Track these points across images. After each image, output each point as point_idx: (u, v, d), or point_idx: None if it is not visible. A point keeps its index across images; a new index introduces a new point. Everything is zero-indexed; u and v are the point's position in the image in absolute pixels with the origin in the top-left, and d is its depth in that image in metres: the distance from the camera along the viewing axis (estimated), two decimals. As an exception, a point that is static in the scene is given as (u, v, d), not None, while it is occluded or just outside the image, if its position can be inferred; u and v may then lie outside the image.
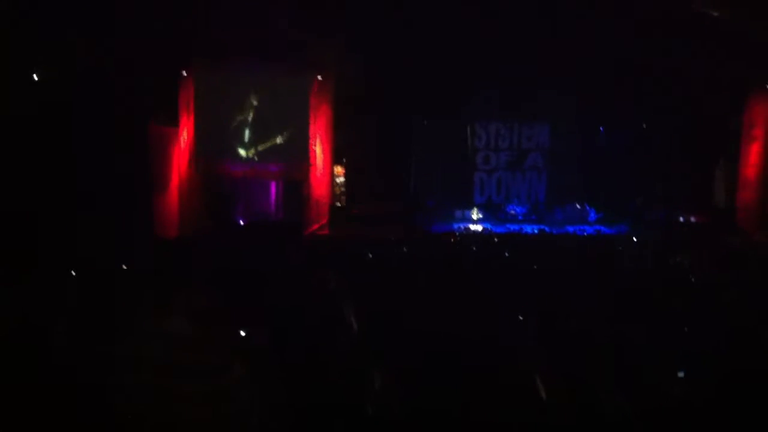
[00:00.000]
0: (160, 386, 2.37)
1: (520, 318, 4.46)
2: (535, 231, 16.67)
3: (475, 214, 18.24)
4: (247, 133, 16.10)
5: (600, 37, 15.66)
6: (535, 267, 8.69)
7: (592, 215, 18.02)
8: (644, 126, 18.04)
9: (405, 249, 10.74)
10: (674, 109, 16.64)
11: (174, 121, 15.74)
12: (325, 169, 16.84)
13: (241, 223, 16.11)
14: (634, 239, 14.95)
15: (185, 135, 15.90)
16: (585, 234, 16.28)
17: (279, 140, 16.05)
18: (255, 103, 16.08)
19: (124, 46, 13.50)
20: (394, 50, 16.15)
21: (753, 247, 13.88)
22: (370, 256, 9.26)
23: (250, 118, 16.08)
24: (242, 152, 16.15)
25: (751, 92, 16.45)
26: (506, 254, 10.80)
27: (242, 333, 4.24)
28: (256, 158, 16.23)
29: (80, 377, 2.79)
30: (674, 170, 17.14)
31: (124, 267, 7.48)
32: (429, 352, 3.15)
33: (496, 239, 14.72)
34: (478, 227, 17.22)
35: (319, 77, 16.18)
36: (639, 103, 17.04)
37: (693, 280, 7.99)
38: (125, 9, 13.31)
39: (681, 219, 16.42)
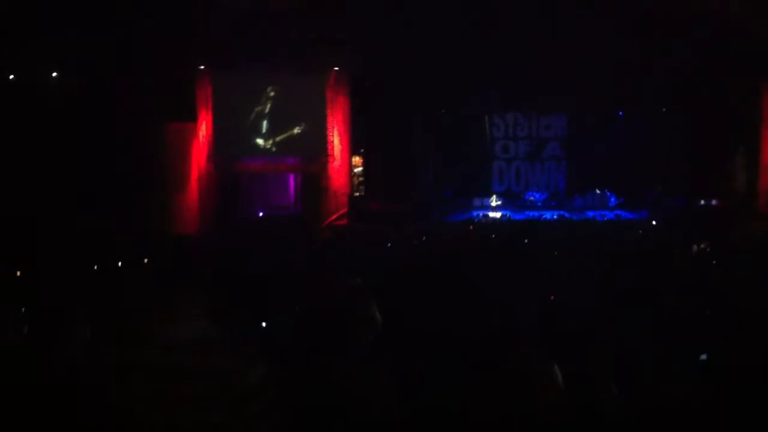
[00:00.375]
0: (171, 389, 2.39)
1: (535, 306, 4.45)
2: (555, 216, 16.58)
3: (494, 202, 18.16)
4: (265, 127, 16.17)
5: (620, 27, 15.54)
6: (555, 252, 8.66)
7: (613, 201, 17.88)
8: (664, 111, 17.85)
9: (421, 239, 10.76)
10: (694, 95, 16.45)
11: (192, 118, 15.85)
12: (343, 160, 16.89)
13: (260, 215, 16.20)
14: (654, 223, 14.89)
15: (203, 131, 16.00)
16: (605, 219, 16.16)
17: (297, 130, 16.11)
18: (272, 96, 16.13)
19: (142, 44, 13.62)
20: (413, 45, 16.13)
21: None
22: (387, 247, 9.31)
23: (267, 113, 16.15)
24: (260, 147, 16.22)
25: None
26: (525, 240, 10.77)
27: (256, 331, 4.29)
28: (274, 151, 16.31)
29: (75, 376, 2.83)
30: (694, 156, 16.96)
31: (145, 262, 7.58)
32: (439, 350, 3.17)
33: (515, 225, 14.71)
34: (497, 214, 17.16)
35: (336, 69, 16.20)
36: (659, 90, 16.87)
37: (713, 263, 7.94)
38: (145, 8, 13.43)
39: (702, 203, 16.25)
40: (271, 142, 16.24)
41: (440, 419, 2.54)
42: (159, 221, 13.77)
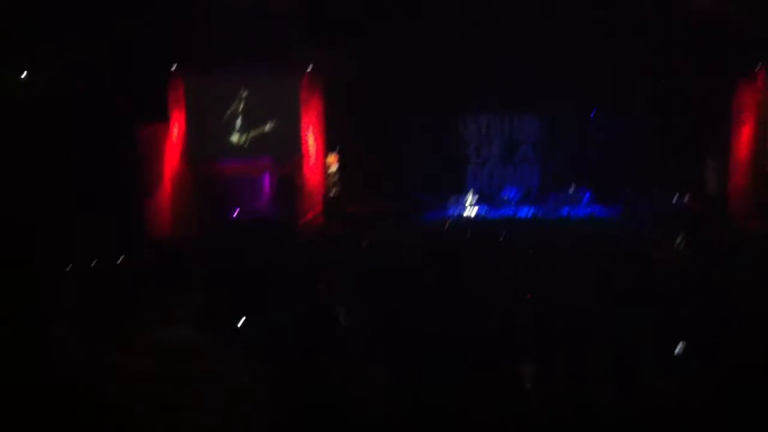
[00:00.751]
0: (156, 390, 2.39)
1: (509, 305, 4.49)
2: (529, 215, 16.69)
3: (469, 201, 18.21)
4: (238, 128, 16.08)
5: (589, 29, 15.68)
6: (530, 251, 8.75)
7: (587, 198, 18.03)
8: (636, 112, 18.03)
9: (397, 241, 10.78)
10: (665, 96, 16.65)
11: (165, 119, 15.70)
12: (317, 159, 16.85)
13: (235, 218, 16.09)
14: (626, 226, 15.06)
15: (176, 132, 15.86)
16: (579, 217, 16.31)
17: (271, 130, 16.03)
18: (245, 97, 16.05)
19: (114, 45, 13.47)
20: (385, 45, 16.16)
21: (745, 233, 13.92)
22: (364, 249, 9.31)
23: (241, 113, 16.06)
24: (234, 148, 16.13)
25: (740, 78, 16.44)
26: (500, 238, 10.86)
27: (237, 334, 4.27)
28: (248, 152, 16.23)
29: (75, 379, 2.80)
30: (666, 157, 17.15)
31: (119, 266, 7.51)
32: (426, 351, 3.18)
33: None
34: (472, 213, 17.22)
35: (310, 68, 16.15)
36: (630, 91, 17.05)
37: (683, 264, 8.05)
38: (117, 9, 13.27)
39: (673, 203, 16.45)
40: (245, 142, 16.15)
41: (440, 419, 2.56)
42: (133, 224, 13.63)
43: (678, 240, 9.05)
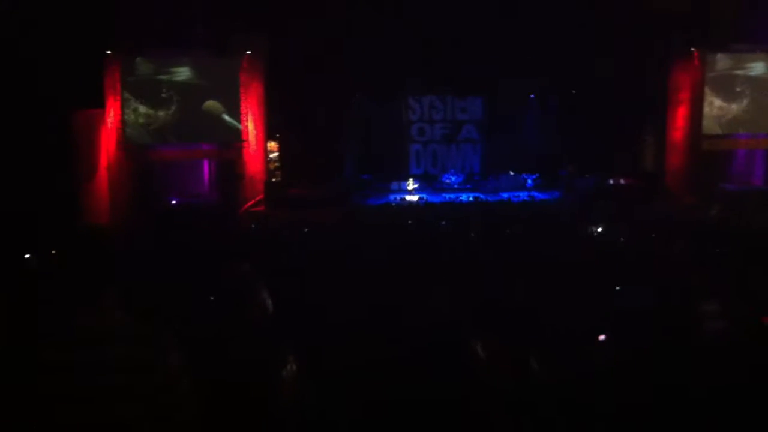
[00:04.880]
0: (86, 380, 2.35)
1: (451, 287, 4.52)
2: (471, 198, 16.83)
3: (411, 185, 18.33)
4: (176, 113, 15.83)
5: (525, 10, 15.87)
6: (472, 234, 8.81)
7: (530, 182, 18.30)
8: (573, 93, 18.30)
9: (339, 225, 10.76)
10: (602, 76, 16.92)
11: (100, 104, 15.38)
12: (258, 146, 16.69)
13: (174, 204, 15.85)
14: (565, 204, 15.33)
15: (112, 117, 15.53)
16: (519, 200, 16.51)
17: (206, 114, 15.86)
18: (183, 82, 15.81)
19: (49, 29, 13.10)
20: (328, 28, 16.08)
21: (681, 209, 14.30)
22: (304, 234, 9.27)
23: (178, 99, 15.81)
24: (172, 134, 15.88)
25: (676, 57, 16.84)
26: (443, 222, 10.90)
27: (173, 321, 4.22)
28: (187, 138, 16.02)
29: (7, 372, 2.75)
30: (604, 136, 17.47)
31: (49, 256, 7.33)
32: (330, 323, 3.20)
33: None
34: (414, 197, 17.31)
35: (249, 53, 15.97)
36: (567, 71, 17.27)
37: (621, 241, 8.22)
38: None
39: (611, 182, 16.78)
40: (183, 128, 15.91)
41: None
42: (69, 211, 13.33)
43: (612, 218, 9.26)
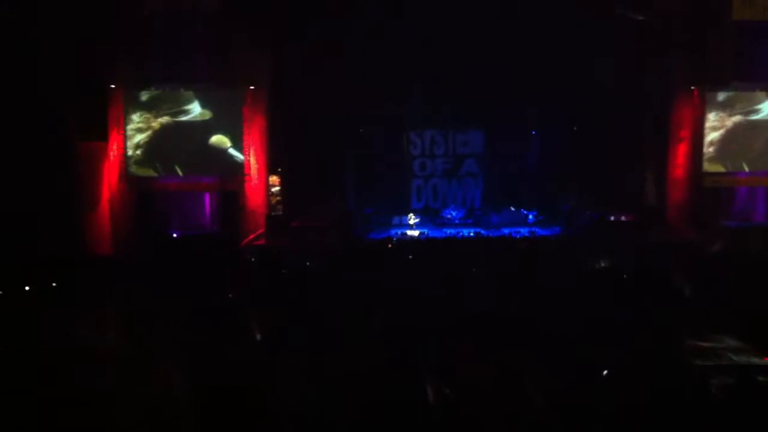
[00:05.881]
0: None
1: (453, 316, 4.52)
2: (472, 234, 16.84)
3: (412, 220, 18.36)
4: (179, 146, 15.92)
5: (530, 48, 16.02)
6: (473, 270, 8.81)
7: (531, 218, 18.34)
8: (575, 130, 18.41)
9: (341, 259, 10.75)
10: (604, 113, 17.03)
11: (104, 137, 15.49)
12: (260, 179, 16.74)
13: (176, 236, 15.85)
14: (567, 239, 15.31)
15: (115, 150, 15.64)
16: (520, 236, 16.50)
17: (213, 150, 15.94)
18: (187, 117, 15.92)
19: (54, 62, 13.24)
20: (329, 64, 16.25)
21: (682, 244, 14.29)
22: (306, 266, 9.27)
23: (182, 131, 15.92)
24: (172, 167, 15.97)
25: (678, 94, 16.95)
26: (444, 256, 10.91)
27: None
28: (189, 171, 16.08)
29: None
30: (605, 172, 17.52)
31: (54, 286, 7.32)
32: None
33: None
34: (415, 232, 17.31)
35: (252, 88, 16.11)
36: (570, 108, 17.39)
37: (624, 276, 8.21)
38: (59, 24, 13.08)
39: (612, 219, 16.78)
40: (186, 161, 15.99)
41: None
42: (70, 242, 13.34)
43: (614, 253, 9.27)
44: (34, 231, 12.09)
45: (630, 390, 3.35)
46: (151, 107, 15.83)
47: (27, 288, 7.52)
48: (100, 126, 15.39)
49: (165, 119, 15.87)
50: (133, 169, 15.77)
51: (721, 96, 16.67)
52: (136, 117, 15.76)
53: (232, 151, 16.11)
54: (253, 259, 11.99)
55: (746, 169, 16.82)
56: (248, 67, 16.03)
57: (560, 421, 3.03)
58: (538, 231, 17.35)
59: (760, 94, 16.66)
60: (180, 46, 15.44)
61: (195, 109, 15.96)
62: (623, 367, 3.69)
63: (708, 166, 16.72)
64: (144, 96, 15.77)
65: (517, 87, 16.86)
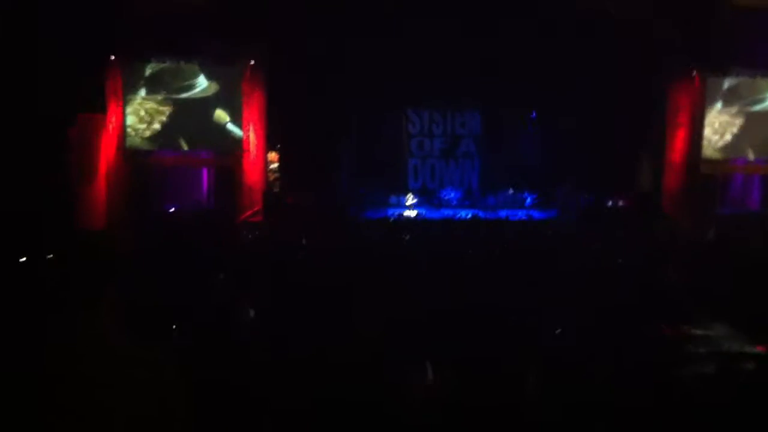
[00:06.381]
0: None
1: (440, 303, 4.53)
2: (469, 215, 16.83)
3: (410, 200, 18.35)
4: (177, 120, 15.87)
5: (528, 28, 15.95)
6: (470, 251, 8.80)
7: (529, 201, 18.35)
8: (574, 111, 18.35)
9: (336, 238, 10.74)
10: (602, 96, 16.98)
11: (101, 108, 15.43)
12: (258, 156, 16.72)
13: (172, 211, 15.85)
14: (562, 223, 15.33)
15: (113, 122, 15.59)
16: (517, 218, 16.52)
17: (207, 121, 15.88)
18: (185, 89, 15.86)
19: (51, 33, 13.16)
20: (329, 40, 16.15)
21: (678, 231, 14.33)
22: (302, 245, 9.26)
23: (180, 105, 15.86)
24: (173, 140, 15.92)
25: (676, 79, 16.91)
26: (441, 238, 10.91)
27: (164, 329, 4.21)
28: (187, 145, 16.04)
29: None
30: (602, 156, 17.51)
31: (47, 260, 7.31)
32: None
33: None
34: (412, 213, 17.31)
35: (252, 62, 16.03)
36: (568, 89, 17.33)
37: (618, 262, 8.22)
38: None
39: (609, 203, 16.80)
40: (183, 135, 15.95)
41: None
42: (65, 214, 13.33)
43: (609, 238, 9.28)
44: (28, 202, 12.06)
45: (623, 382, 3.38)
46: (150, 80, 15.78)
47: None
48: (98, 98, 15.33)
49: (163, 93, 15.83)
50: (132, 142, 15.73)
51: (723, 83, 16.64)
52: (134, 90, 15.70)
53: (231, 127, 16.07)
54: (250, 236, 11.99)
55: (750, 156, 16.82)
56: (248, 42, 15.95)
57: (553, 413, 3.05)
58: (535, 214, 17.36)
59: (761, 81, 16.62)
60: (181, 20, 15.31)
61: (195, 84, 15.90)
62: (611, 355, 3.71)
63: (706, 152, 16.73)
64: (143, 69, 15.70)
65: (515, 68, 16.79)
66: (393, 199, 18.44)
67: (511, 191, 18.65)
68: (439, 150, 19.55)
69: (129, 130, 15.69)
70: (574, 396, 3.16)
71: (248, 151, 16.23)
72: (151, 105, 15.78)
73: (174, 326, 3.83)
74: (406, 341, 3.18)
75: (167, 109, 15.84)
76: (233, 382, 2.94)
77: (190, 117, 15.87)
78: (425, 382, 2.64)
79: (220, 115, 16.02)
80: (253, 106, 16.30)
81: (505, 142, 19.14)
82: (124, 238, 10.57)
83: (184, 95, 15.88)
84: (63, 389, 2.25)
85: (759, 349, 4.09)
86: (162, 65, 15.74)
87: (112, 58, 15.43)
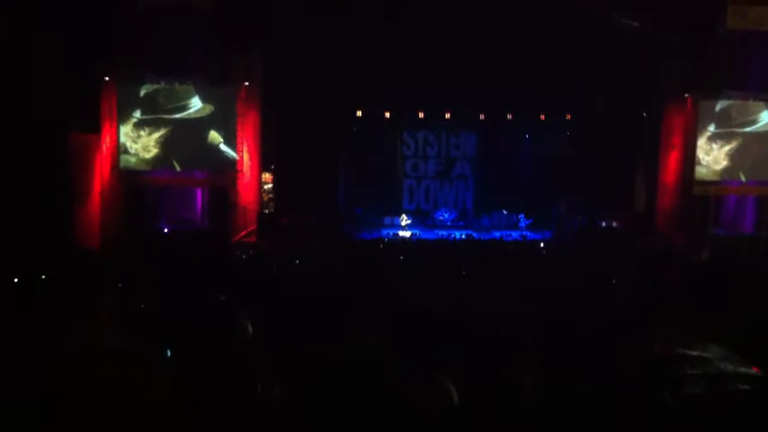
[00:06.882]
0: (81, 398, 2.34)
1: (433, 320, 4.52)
2: (463, 236, 16.86)
3: (404, 221, 18.38)
4: (172, 140, 15.86)
5: (522, 51, 16.07)
6: (463, 272, 8.79)
7: (522, 222, 18.40)
8: (568, 134, 18.47)
9: (331, 257, 10.73)
10: (596, 118, 17.10)
11: (96, 129, 15.43)
12: (252, 176, 16.71)
13: (166, 231, 15.81)
14: (557, 243, 15.35)
15: (108, 142, 15.59)
16: (511, 239, 16.54)
17: (202, 141, 15.88)
18: (180, 111, 15.87)
19: (47, 52, 13.18)
20: (324, 62, 16.25)
21: (672, 250, 14.36)
22: (296, 264, 9.25)
23: (175, 126, 15.86)
24: (167, 160, 15.91)
25: (669, 101, 17.03)
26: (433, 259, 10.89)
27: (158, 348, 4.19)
28: (181, 165, 16.02)
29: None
30: (596, 177, 17.59)
31: (42, 277, 7.28)
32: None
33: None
34: (407, 233, 17.32)
35: (246, 83, 16.07)
36: (562, 112, 17.46)
37: (613, 281, 8.22)
38: (48, 15, 13.02)
39: (603, 224, 16.86)
40: (178, 155, 15.94)
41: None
42: (60, 234, 13.28)
43: (604, 258, 9.29)
44: (23, 221, 12.01)
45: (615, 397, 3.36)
46: (145, 101, 15.78)
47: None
48: (93, 118, 15.33)
49: (158, 114, 15.82)
50: (126, 162, 15.71)
51: (716, 106, 16.73)
52: (129, 110, 15.71)
53: (225, 147, 16.05)
54: (244, 257, 11.96)
55: (743, 178, 16.87)
56: (243, 63, 16.01)
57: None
58: (529, 235, 17.40)
59: (753, 104, 16.72)
60: (175, 41, 15.37)
61: (189, 105, 15.91)
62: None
63: (698, 174, 16.79)
64: (138, 90, 15.72)
65: (510, 90, 16.90)
66: (387, 220, 18.48)
67: (505, 212, 18.71)
68: (433, 171, 19.61)
69: (123, 150, 15.67)
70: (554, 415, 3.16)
71: (242, 171, 16.22)
72: (145, 125, 15.78)
73: (167, 349, 3.82)
74: (402, 353, 3.18)
75: (162, 130, 15.83)
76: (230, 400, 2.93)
77: (184, 138, 15.86)
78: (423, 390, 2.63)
79: (215, 135, 16.01)
80: (248, 127, 16.32)
81: (500, 164, 19.21)
82: (118, 258, 10.53)
83: (179, 116, 15.87)
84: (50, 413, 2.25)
85: (754, 370, 4.08)
86: (156, 86, 15.75)
87: (107, 79, 15.44)
